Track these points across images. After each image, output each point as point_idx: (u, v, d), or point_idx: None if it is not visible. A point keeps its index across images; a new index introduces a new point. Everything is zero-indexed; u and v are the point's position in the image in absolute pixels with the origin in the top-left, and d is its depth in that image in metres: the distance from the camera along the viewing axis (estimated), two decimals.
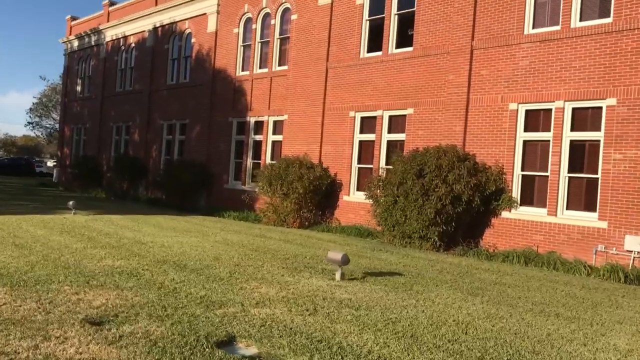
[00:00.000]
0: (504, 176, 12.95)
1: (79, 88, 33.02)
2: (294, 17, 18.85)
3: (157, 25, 25.63)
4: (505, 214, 12.91)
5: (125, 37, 28.37)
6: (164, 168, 23.17)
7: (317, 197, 16.53)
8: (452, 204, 12.22)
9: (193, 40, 23.57)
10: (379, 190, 13.67)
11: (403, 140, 15.36)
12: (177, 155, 24.25)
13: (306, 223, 16.54)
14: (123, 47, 28.63)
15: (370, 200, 14.09)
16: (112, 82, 29.31)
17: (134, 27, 27.49)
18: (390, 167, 15.26)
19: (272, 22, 19.77)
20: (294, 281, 7.98)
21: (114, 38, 29.12)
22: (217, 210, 19.91)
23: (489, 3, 13.58)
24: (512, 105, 12.99)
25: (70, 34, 34.28)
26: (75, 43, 33.23)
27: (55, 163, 79.03)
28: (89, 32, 31.34)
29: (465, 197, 12.27)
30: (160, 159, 25.13)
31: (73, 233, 11.77)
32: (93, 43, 31.21)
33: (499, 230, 13.01)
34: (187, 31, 24.11)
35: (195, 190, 21.55)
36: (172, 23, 24.84)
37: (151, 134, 25.73)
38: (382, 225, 13.51)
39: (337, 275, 8.31)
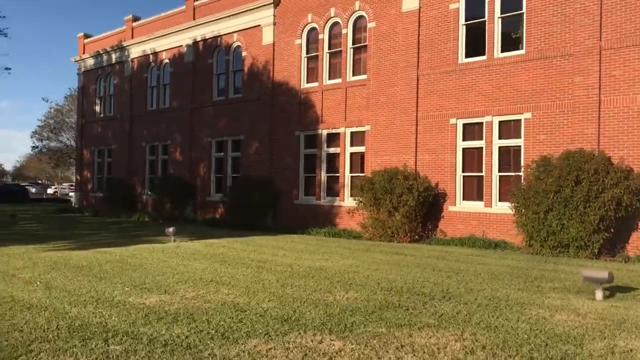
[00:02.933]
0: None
1: (98, 108, 31.66)
2: (371, 25, 18.29)
3: (198, 39, 24.70)
4: None
5: (155, 54, 27.28)
6: (231, 186, 22.13)
7: (424, 209, 15.96)
8: (614, 209, 11.83)
9: (244, 53, 22.73)
10: (516, 199, 13.19)
11: (519, 146, 14.95)
12: (230, 173, 23.31)
13: (416, 237, 15.94)
14: (153, 64, 27.53)
15: (513, 210, 13.58)
16: (141, 101, 28.13)
17: (167, 42, 26.45)
18: (504, 174, 14.89)
19: (344, 31, 19.15)
20: (564, 305, 7.37)
21: (142, 54, 27.98)
22: (293, 227, 19.14)
23: (618, 2, 13.31)
24: None
25: (83, 52, 32.91)
26: (91, 61, 31.90)
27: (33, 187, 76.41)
28: (109, 50, 30.07)
29: (625, 202, 11.90)
30: (209, 177, 24.13)
31: (229, 263, 10.88)
32: (114, 60, 29.96)
33: None
34: (236, 44, 23.27)
35: (262, 208, 20.68)
36: (215, 37, 23.94)
37: (197, 153, 24.70)
38: (531, 236, 12.94)
39: (599, 295, 7.75)
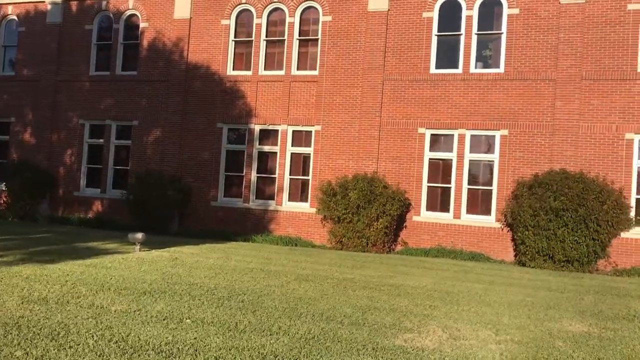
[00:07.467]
0: (624, 199, 14.02)
1: None
2: (326, 18, 17.06)
3: None
4: (624, 234, 14.07)
5: None
6: (134, 182, 18.23)
7: (398, 219, 15.41)
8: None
9: (143, 24, 19.24)
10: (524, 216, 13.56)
11: (491, 161, 15.40)
12: (112, 164, 19.47)
13: (388, 247, 15.26)
14: None
15: (504, 225, 13.97)
16: None
17: None
18: (474, 187, 15.33)
19: (290, 20, 17.52)
20: None
21: None
22: (212, 232, 16.91)
23: (598, 40, 14.59)
24: (628, 135, 14.27)
25: None
26: None
27: None
28: None
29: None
30: (79, 168, 19.79)
31: (329, 283, 8.89)
32: None
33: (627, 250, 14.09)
34: (130, 12, 19.55)
35: (168, 209, 17.66)
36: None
37: (61, 136, 20.08)
38: (537, 251, 13.35)
39: None
